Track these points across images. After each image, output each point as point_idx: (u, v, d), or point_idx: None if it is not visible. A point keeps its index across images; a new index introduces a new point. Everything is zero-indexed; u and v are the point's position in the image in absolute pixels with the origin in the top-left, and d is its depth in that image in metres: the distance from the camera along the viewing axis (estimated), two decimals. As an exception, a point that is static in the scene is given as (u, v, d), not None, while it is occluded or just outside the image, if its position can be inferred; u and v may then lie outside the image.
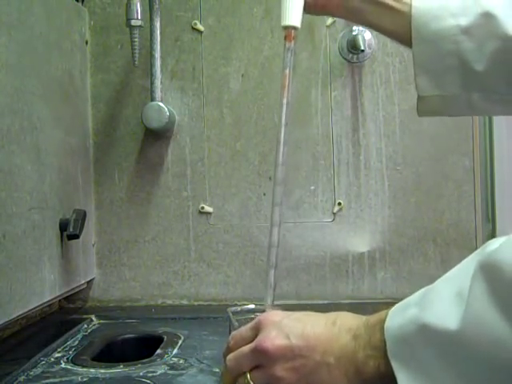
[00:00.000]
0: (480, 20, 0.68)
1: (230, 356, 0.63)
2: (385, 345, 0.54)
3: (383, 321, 0.55)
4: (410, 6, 0.70)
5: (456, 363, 0.49)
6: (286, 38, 0.74)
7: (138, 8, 1.07)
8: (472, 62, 0.69)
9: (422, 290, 0.55)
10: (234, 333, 0.65)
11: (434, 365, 0.50)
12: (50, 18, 1.00)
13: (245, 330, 0.64)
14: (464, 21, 0.69)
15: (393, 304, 1.21)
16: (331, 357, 0.58)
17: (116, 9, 1.19)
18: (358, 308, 1.10)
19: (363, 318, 0.60)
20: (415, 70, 0.72)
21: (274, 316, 0.63)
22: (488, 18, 0.68)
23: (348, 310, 1.10)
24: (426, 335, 0.51)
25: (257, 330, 0.62)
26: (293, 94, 0.74)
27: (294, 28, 0.74)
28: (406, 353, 0.52)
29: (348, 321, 0.61)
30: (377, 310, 1.14)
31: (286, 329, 0.60)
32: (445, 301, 0.50)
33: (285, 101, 0.73)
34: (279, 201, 0.73)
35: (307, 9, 0.75)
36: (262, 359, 0.60)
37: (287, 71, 0.74)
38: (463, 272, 0.52)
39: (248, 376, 0.61)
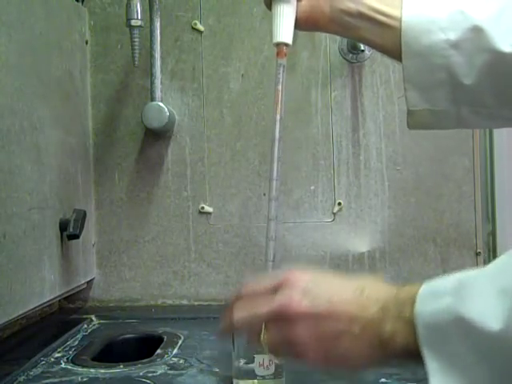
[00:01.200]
0: (469, 34, 0.68)
1: (242, 307, 0.59)
2: (414, 326, 0.52)
3: (413, 300, 0.54)
4: (400, 20, 0.71)
5: (496, 362, 0.48)
6: (277, 54, 0.76)
7: (138, 8, 1.07)
8: (461, 76, 0.69)
9: (454, 278, 0.53)
10: (250, 282, 0.61)
11: (470, 360, 0.49)
12: (49, 17, 1.00)
13: (266, 283, 0.60)
14: (453, 35, 0.69)
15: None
16: (356, 326, 0.55)
17: (116, 9, 1.19)
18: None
19: (393, 289, 0.58)
20: (405, 84, 0.72)
21: (302, 276, 0.59)
22: (477, 32, 0.68)
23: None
24: (463, 328, 0.49)
25: (279, 287, 0.58)
26: (286, 109, 0.74)
27: (286, 45, 0.75)
28: (439, 342, 0.51)
29: (377, 291, 0.58)
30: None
31: (312, 292, 0.57)
32: (486, 297, 0.49)
33: (278, 117, 0.74)
34: (275, 195, 0.74)
35: (298, 25, 0.76)
36: (282, 321, 0.57)
37: (280, 87, 0.74)
38: (507, 268, 0.51)
39: (263, 336, 0.58)
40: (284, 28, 0.75)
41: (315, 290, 0.57)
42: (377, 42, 0.74)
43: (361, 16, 0.72)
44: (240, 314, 0.59)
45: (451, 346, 0.50)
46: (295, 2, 0.75)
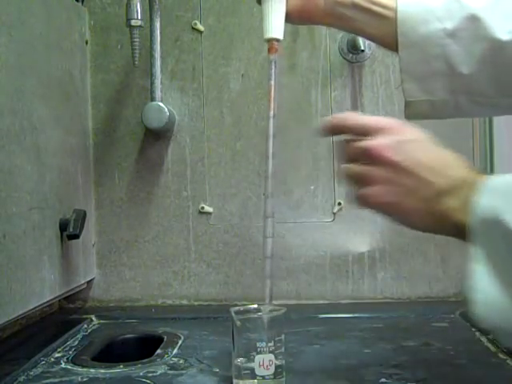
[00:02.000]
0: (465, 23, 0.68)
1: (346, 144, 0.65)
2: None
3: (479, 186, 0.57)
4: (396, 11, 0.71)
5: None
6: (269, 50, 0.76)
7: (138, 8, 1.07)
8: (459, 65, 0.69)
9: None
10: (360, 117, 0.66)
11: (509, 261, 0.53)
12: (50, 17, 1.00)
13: (371, 122, 0.64)
14: (450, 24, 0.69)
15: (393, 304, 1.20)
16: (430, 192, 0.60)
17: (116, 9, 1.19)
18: (358, 308, 1.11)
19: (474, 171, 0.62)
20: (402, 75, 0.72)
21: (406, 129, 0.64)
22: (473, 20, 0.68)
23: (348, 310, 1.11)
24: (504, 232, 0.53)
25: (381, 131, 0.63)
26: (279, 105, 0.75)
27: (277, 40, 0.75)
28: (485, 236, 0.55)
29: (462, 167, 0.63)
30: (377, 310, 1.14)
31: (406, 145, 0.62)
32: None
33: (271, 113, 0.74)
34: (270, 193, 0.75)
35: (291, 19, 0.76)
36: (369, 159, 0.62)
37: (272, 82, 0.75)
38: None
39: (349, 166, 0.64)
40: (274, 23, 0.75)
41: (410, 146, 0.62)
42: (373, 33, 0.74)
43: (356, 7, 0.72)
44: (347, 145, 0.65)
45: (494, 243, 0.54)
46: None
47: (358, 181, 0.64)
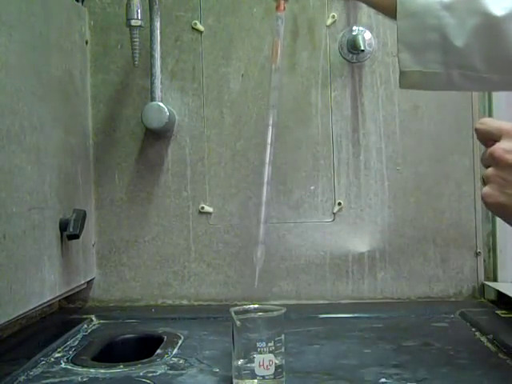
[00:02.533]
0: None
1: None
2: None
3: None
4: None
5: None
6: (277, 8, 0.83)
7: (138, 8, 1.07)
8: (452, 37, 0.72)
9: None
10: (485, 120, 0.66)
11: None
12: (50, 18, 1.00)
13: (493, 124, 0.65)
14: None
15: (393, 304, 1.20)
16: None
17: (116, 9, 1.19)
18: (358, 308, 1.11)
19: None
20: (398, 45, 0.76)
21: None
22: None
23: (348, 310, 1.11)
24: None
25: (504, 136, 0.63)
26: (282, 62, 0.82)
27: None
28: None
29: None
30: (377, 310, 1.14)
31: None
32: None
33: (274, 66, 0.82)
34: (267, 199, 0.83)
35: None
36: (494, 163, 0.62)
37: (277, 38, 0.82)
38: None
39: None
40: None
41: None
42: (375, 1, 0.78)
43: None
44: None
45: None
46: None
47: (484, 182, 0.65)
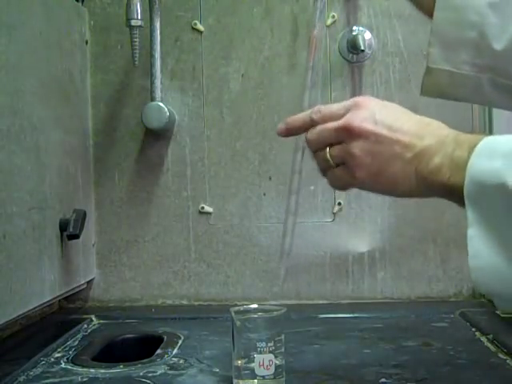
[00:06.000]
0: None
1: (314, 131, 0.66)
2: (461, 168, 0.55)
3: (470, 147, 0.55)
4: None
5: None
6: None
7: (138, 8, 1.07)
8: (492, 38, 0.66)
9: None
10: (322, 107, 0.67)
11: (506, 221, 0.52)
12: (50, 18, 1.00)
13: (336, 106, 0.66)
14: None
15: (393, 304, 1.20)
16: (410, 152, 0.59)
17: (116, 9, 1.19)
18: (358, 308, 1.11)
19: (454, 131, 0.60)
20: (430, 38, 0.70)
21: (371, 101, 0.64)
22: None
23: (348, 310, 1.11)
24: (505, 194, 0.52)
25: (348, 110, 0.64)
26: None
27: None
28: (482, 199, 0.54)
29: (439, 127, 0.61)
30: (377, 310, 1.14)
31: (377, 115, 0.62)
32: None
33: (311, 64, 0.76)
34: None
35: None
36: (345, 137, 0.62)
37: (315, 32, 0.76)
38: None
39: (327, 150, 0.64)
40: None
41: (381, 113, 0.62)
42: None
43: None
44: (313, 138, 0.66)
45: (491, 206, 0.53)
46: None
47: (340, 161, 0.64)
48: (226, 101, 1.19)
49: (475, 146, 0.55)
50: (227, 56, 1.19)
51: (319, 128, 0.65)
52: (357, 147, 0.61)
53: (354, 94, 1.17)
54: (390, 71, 1.16)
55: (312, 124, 0.67)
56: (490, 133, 1.20)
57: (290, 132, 0.70)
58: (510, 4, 0.66)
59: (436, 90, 0.73)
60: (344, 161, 0.63)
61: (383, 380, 0.73)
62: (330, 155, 0.64)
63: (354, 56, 1.16)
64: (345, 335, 0.95)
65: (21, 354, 0.86)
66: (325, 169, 0.66)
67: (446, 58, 0.70)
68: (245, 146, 1.18)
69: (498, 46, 0.66)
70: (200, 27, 1.18)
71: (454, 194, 0.56)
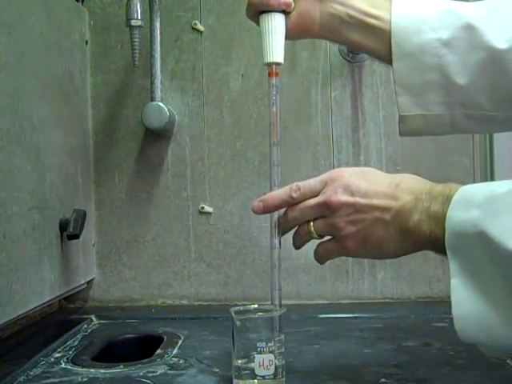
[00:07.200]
0: (461, 32, 0.67)
1: (295, 208, 0.69)
2: (440, 221, 0.58)
3: (445, 199, 0.59)
4: (390, 22, 0.70)
5: (511, 276, 0.53)
6: (269, 74, 0.73)
7: (138, 8, 1.07)
8: (454, 75, 0.68)
9: (488, 189, 0.57)
10: (300, 184, 0.69)
11: (488, 270, 0.55)
12: (50, 18, 1.00)
13: (314, 182, 0.69)
14: (445, 34, 0.68)
15: (393, 304, 1.20)
16: (388, 214, 0.63)
17: (116, 9, 1.19)
18: (358, 308, 1.11)
19: (427, 184, 0.63)
20: (396, 88, 0.71)
21: (345, 172, 0.68)
22: (469, 29, 0.67)
23: (348, 310, 1.11)
24: (485, 243, 0.54)
25: (325, 184, 0.67)
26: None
27: (278, 64, 0.73)
28: (463, 249, 0.56)
29: (412, 184, 0.64)
30: (377, 310, 1.14)
31: (352, 186, 0.65)
32: (510, 216, 0.53)
33: (274, 140, 0.72)
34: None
35: (288, 36, 0.74)
36: (326, 211, 0.66)
37: (274, 109, 0.72)
38: None
39: (311, 224, 0.68)
40: (275, 47, 0.73)
41: (355, 183, 0.65)
42: (367, 45, 0.73)
43: (350, 19, 0.71)
44: (295, 214, 0.69)
45: (473, 255, 0.56)
46: (283, 17, 0.73)
47: (325, 233, 0.68)
48: (226, 101, 1.19)
49: (450, 198, 0.58)
50: (227, 56, 1.19)
51: (301, 206, 0.68)
52: (340, 219, 0.65)
53: (354, 94, 1.17)
54: (390, 71, 1.15)
55: (291, 202, 0.69)
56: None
57: (267, 210, 0.71)
58: (463, 38, 0.67)
59: (414, 132, 0.74)
60: (331, 233, 0.68)
61: (383, 380, 0.73)
62: (314, 229, 0.68)
63: (354, 56, 1.16)
64: (345, 335, 0.95)
65: (21, 354, 0.86)
66: (306, 241, 0.71)
67: (416, 103, 0.71)
68: (245, 146, 1.19)
69: (462, 81, 0.68)
70: (200, 27, 1.18)
71: (437, 246, 0.59)
